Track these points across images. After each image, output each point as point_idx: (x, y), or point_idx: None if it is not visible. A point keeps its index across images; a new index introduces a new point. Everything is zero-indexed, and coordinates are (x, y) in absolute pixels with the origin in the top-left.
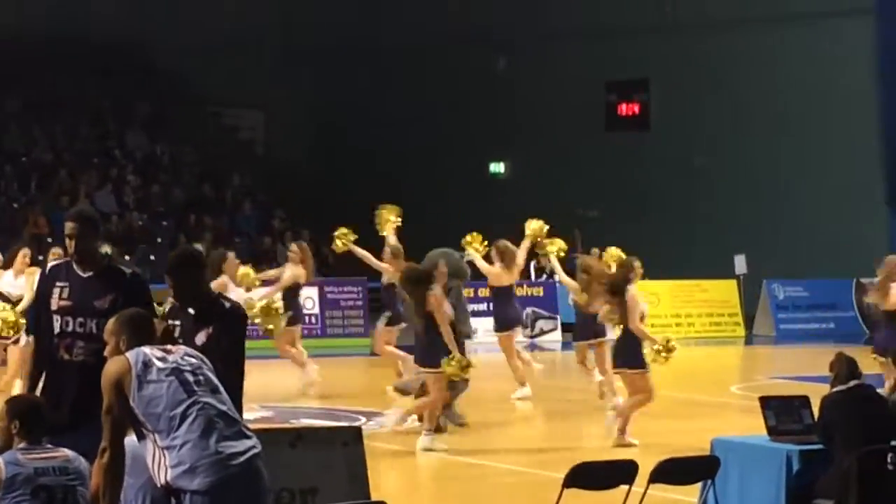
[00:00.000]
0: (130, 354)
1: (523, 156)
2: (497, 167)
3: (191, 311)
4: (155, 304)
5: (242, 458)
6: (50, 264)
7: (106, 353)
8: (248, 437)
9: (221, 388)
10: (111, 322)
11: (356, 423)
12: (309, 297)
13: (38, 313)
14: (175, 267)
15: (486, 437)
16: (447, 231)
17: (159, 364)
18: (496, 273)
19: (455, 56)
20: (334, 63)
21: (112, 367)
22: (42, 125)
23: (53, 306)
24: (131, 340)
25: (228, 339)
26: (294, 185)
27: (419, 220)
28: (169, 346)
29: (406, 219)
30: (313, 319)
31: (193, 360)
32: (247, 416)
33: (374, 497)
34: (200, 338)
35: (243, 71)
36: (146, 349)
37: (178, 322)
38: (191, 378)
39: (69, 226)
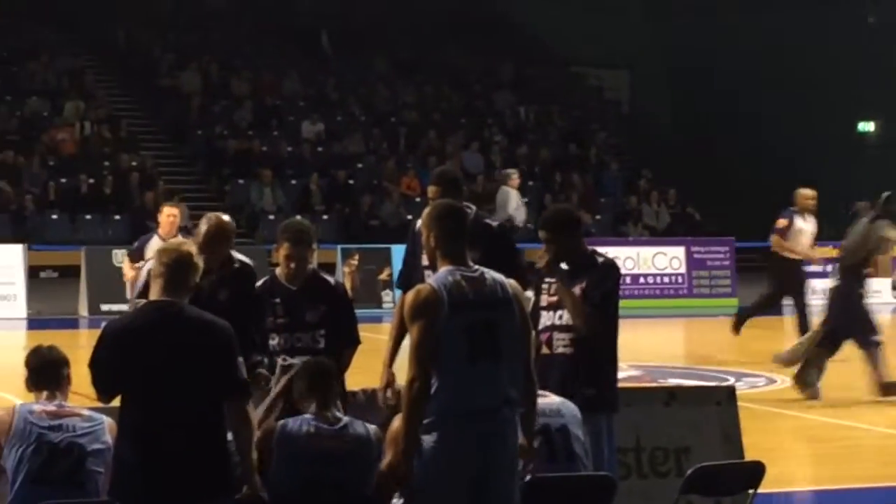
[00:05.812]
0: (435, 282)
1: (894, 115)
2: (866, 126)
3: (564, 266)
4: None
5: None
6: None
7: (423, 242)
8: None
9: (509, 357)
10: (425, 213)
11: (728, 383)
12: (675, 257)
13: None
14: (555, 225)
15: (859, 399)
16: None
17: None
18: None
19: (823, 9)
20: (698, 20)
21: (416, 297)
22: (408, 87)
23: None
24: (442, 238)
25: (599, 292)
26: (660, 144)
27: (785, 179)
28: (478, 276)
29: (771, 179)
30: (679, 279)
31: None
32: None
33: (747, 457)
34: (576, 291)
35: (607, 30)
36: (452, 278)
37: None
38: (481, 337)
39: (431, 189)
